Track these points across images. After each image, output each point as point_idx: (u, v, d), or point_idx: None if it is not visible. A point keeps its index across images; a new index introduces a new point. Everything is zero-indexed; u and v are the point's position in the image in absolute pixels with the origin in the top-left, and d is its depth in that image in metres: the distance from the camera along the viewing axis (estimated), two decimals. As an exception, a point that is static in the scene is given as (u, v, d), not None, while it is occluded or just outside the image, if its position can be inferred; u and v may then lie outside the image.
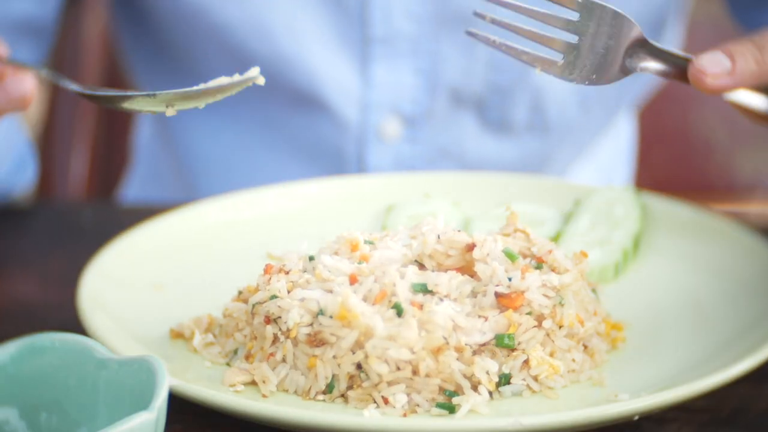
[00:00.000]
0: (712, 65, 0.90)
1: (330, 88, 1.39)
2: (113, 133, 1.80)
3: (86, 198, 1.72)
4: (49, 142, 1.75)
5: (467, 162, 1.44)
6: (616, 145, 1.62)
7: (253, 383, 0.88)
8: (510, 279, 0.89)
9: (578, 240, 1.08)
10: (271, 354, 0.88)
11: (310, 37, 1.37)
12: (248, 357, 0.89)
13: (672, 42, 1.54)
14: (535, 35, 0.87)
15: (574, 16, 0.86)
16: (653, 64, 0.89)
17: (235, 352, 0.91)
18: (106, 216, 1.30)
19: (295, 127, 1.42)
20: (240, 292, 0.94)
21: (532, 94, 1.41)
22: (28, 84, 0.96)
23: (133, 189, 1.65)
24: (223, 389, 0.87)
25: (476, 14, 0.88)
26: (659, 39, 1.48)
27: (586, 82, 0.86)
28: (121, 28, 1.49)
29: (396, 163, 1.42)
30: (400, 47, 1.37)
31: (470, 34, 0.88)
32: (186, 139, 1.48)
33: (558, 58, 0.87)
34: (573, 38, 0.86)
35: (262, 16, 1.36)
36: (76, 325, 0.92)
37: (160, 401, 0.71)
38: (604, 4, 0.86)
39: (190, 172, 1.49)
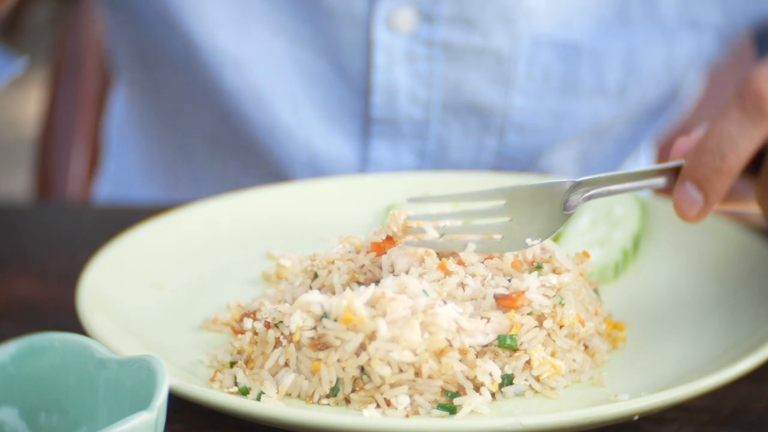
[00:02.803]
0: (688, 208, 0.91)
1: (328, 162, 1.34)
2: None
3: (86, 198, 1.72)
4: (49, 142, 1.75)
5: None
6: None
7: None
8: (509, 280, 0.89)
9: (578, 240, 1.08)
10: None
11: (310, 111, 1.33)
12: (248, 362, 0.89)
13: (691, 89, 1.49)
14: (473, 229, 0.93)
15: (501, 203, 0.92)
16: (597, 191, 0.92)
17: (231, 365, 0.91)
18: (106, 216, 1.30)
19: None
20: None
21: (538, 173, 1.37)
22: None
23: (105, 186, 1.63)
24: (223, 389, 0.87)
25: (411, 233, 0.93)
26: (670, 107, 1.44)
27: (529, 245, 0.92)
28: (115, 47, 1.47)
29: None
30: (403, 129, 1.33)
31: (410, 243, 0.92)
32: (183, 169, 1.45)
33: (497, 238, 0.92)
34: (505, 220, 0.92)
35: (262, 85, 1.32)
36: (76, 325, 0.92)
37: (160, 401, 0.71)
38: (522, 185, 0.92)
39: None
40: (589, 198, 0.91)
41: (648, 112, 1.41)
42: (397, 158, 1.35)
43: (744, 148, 0.89)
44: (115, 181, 1.61)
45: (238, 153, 1.38)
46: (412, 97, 1.32)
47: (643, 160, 1.58)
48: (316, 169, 1.35)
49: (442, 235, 0.93)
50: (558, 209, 0.91)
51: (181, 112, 1.39)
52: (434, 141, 1.34)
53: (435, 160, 1.35)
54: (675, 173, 0.93)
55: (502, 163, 1.36)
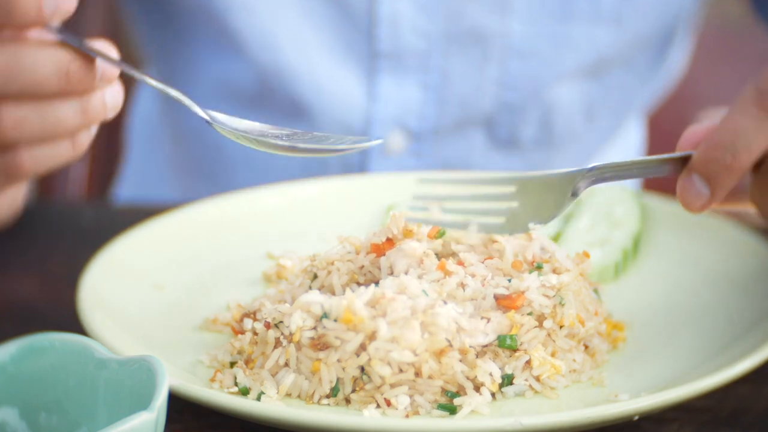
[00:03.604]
0: (694, 200, 0.91)
1: (335, 100, 1.37)
2: (113, 132, 1.80)
3: (86, 198, 1.72)
4: (49, 142, 1.74)
5: None
6: (625, 152, 1.61)
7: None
8: (509, 280, 0.89)
9: (578, 240, 1.08)
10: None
11: (316, 49, 1.36)
12: (248, 362, 0.89)
13: (680, 51, 1.53)
14: (480, 210, 0.93)
15: (510, 190, 0.92)
16: (605, 176, 0.92)
17: (231, 365, 0.91)
18: (106, 216, 1.30)
19: None
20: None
21: (542, 110, 1.40)
22: (113, 97, 0.89)
23: (126, 187, 1.64)
24: (223, 389, 0.87)
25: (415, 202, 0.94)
26: (667, 50, 1.46)
27: (531, 229, 0.92)
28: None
29: None
30: (408, 63, 1.36)
31: (412, 219, 0.93)
32: (201, 136, 1.47)
33: (502, 219, 0.92)
34: (513, 205, 0.92)
35: (268, 26, 1.35)
36: (76, 325, 0.92)
37: (160, 401, 0.71)
38: (532, 175, 0.92)
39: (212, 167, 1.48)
40: (597, 182, 0.91)
41: (648, 49, 1.43)
42: (401, 93, 1.37)
43: (758, 146, 0.88)
44: (138, 180, 1.62)
45: (248, 98, 1.39)
46: (415, 28, 1.34)
47: (633, 132, 1.60)
48: (323, 109, 1.37)
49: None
50: (566, 196, 0.91)
51: (190, 61, 1.40)
52: (437, 72, 1.36)
53: (438, 92, 1.37)
54: (682, 162, 0.92)
55: (505, 93, 1.38)
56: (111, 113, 0.90)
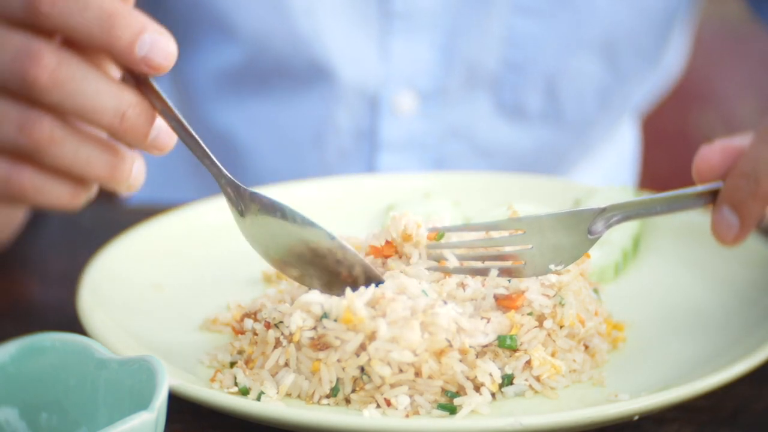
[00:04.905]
0: (725, 232, 0.92)
1: (346, 62, 1.38)
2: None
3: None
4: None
5: (479, 145, 1.44)
6: (620, 152, 1.61)
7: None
8: (509, 280, 0.89)
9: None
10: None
11: (327, 14, 1.37)
12: (248, 362, 0.89)
13: (679, 45, 1.53)
14: (495, 256, 0.91)
15: (521, 232, 0.90)
16: (622, 216, 0.91)
17: (231, 365, 0.91)
18: (106, 216, 1.30)
19: (309, 105, 1.41)
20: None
21: (546, 77, 1.41)
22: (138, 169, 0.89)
23: (141, 189, 1.65)
24: (223, 389, 0.87)
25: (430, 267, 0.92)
26: (666, 41, 1.46)
27: (553, 271, 0.90)
28: None
29: (408, 138, 1.42)
30: (419, 22, 1.38)
31: (431, 269, 0.91)
32: (221, 125, 1.47)
33: (521, 264, 0.90)
34: (527, 247, 0.90)
35: None
36: (76, 325, 0.92)
37: (160, 401, 0.71)
38: (544, 214, 0.90)
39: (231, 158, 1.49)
40: (614, 224, 0.90)
41: (653, 29, 1.43)
42: (412, 53, 1.38)
43: None
44: (153, 182, 1.62)
45: (259, 70, 1.41)
46: None
47: (627, 132, 1.60)
48: (339, 74, 1.38)
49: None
50: (583, 236, 0.90)
51: (192, 52, 1.41)
52: (445, 31, 1.38)
53: (445, 50, 1.39)
54: (710, 197, 0.92)
55: (508, 50, 1.39)
56: (128, 189, 0.89)
